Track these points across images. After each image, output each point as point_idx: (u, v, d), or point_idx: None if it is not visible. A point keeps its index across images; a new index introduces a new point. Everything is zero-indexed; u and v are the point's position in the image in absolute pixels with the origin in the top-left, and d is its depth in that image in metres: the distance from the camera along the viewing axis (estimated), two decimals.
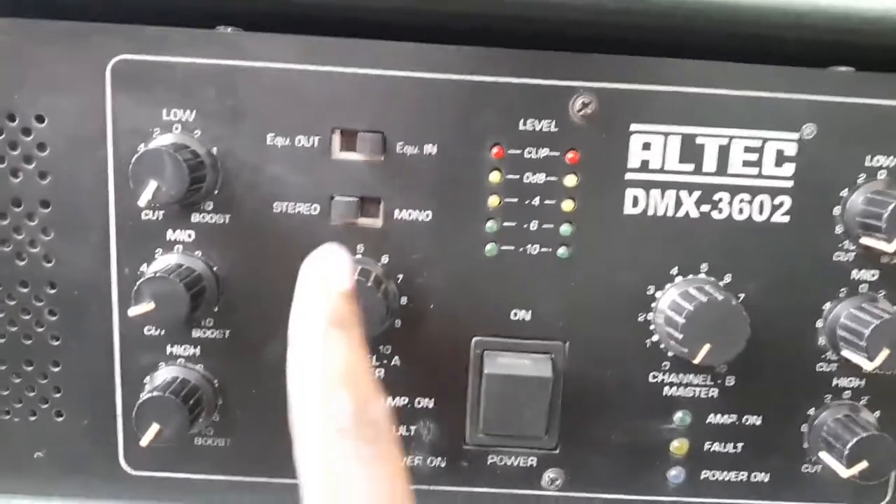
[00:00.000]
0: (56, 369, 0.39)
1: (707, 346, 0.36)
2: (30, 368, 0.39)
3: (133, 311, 0.35)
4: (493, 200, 0.38)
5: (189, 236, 0.38)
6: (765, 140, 0.37)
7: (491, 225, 0.38)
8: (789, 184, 0.38)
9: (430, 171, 0.37)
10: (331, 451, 0.26)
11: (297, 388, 0.27)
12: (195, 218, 0.37)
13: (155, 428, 0.37)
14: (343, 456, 0.26)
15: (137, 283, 0.35)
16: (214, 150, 0.37)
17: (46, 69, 0.36)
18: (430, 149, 0.37)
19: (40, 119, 0.36)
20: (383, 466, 0.26)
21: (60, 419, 0.40)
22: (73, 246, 0.38)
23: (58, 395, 0.40)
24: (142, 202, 0.34)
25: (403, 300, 0.39)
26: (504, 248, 0.38)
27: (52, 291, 0.38)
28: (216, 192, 0.37)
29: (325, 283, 0.29)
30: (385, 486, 0.26)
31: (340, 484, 0.25)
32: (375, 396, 0.27)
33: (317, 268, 0.30)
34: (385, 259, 0.38)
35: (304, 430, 0.26)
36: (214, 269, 0.38)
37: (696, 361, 0.36)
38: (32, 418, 0.40)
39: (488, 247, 0.38)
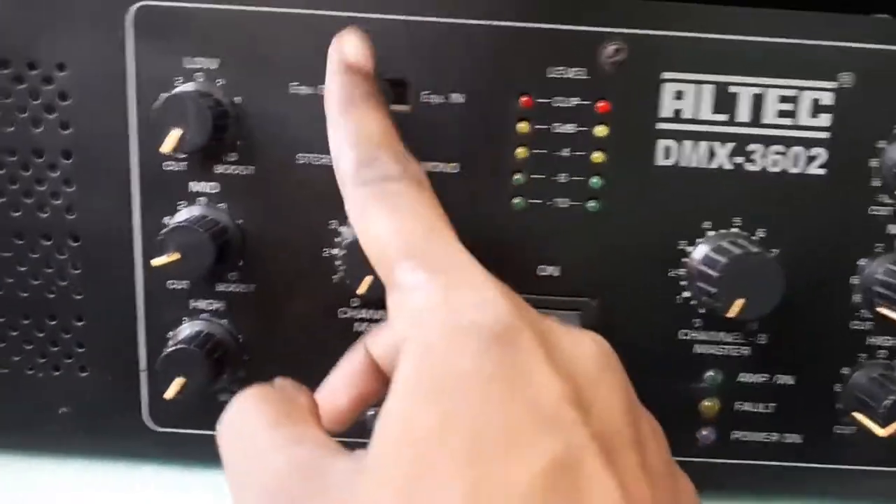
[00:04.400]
0: (79, 324, 0.39)
1: (741, 301, 0.35)
2: (53, 323, 0.39)
3: (157, 262, 0.35)
4: (521, 152, 0.37)
5: (213, 188, 0.37)
6: (800, 89, 0.36)
7: (518, 177, 0.37)
8: (825, 135, 0.37)
9: (456, 121, 0.37)
10: (377, 198, 0.28)
11: (337, 159, 0.30)
12: (219, 169, 0.37)
13: (179, 381, 0.36)
14: (391, 195, 0.28)
15: (162, 233, 0.35)
16: (237, 99, 0.36)
17: (67, 15, 0.35)
18: (456, 98, 0.36)
19: (61, 67, 0.36)
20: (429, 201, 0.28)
21: (84, 374, 0.40)
22: (96, 198, 0.37)
23: (81, 350, 0.39)
24: (164, 149, 0.33)
25: None
26: (532, 201, 0.37)
27: (75, 244, 0.38)
28: (240, 142, 0.37)
29: (348, 63, 0.32)
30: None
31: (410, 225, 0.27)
32: (410, 156, 0.30)
33: (339, 47, 0.32)
34: None
35: (352, 198, 0.29)
36: (239, 221, 0.37)
37: (730, 316, 0.35)
38: (56, 374, 0.40)
39: (515, 200, 0.37)
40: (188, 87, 0.36)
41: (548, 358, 0.24)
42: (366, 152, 0.29)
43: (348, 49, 0.32)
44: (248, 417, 0.27)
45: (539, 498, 0.21)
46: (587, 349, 0.26)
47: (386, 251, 0.27)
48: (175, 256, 0.35)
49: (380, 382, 0.30)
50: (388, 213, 0.27)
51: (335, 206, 0.37)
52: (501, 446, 0.22)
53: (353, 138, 0.29)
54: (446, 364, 0.23)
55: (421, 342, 0.24)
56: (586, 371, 0.25)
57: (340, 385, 0.30)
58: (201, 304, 0.39)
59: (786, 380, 0.40)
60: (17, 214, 0.38)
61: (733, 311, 0.35)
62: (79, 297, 0.39)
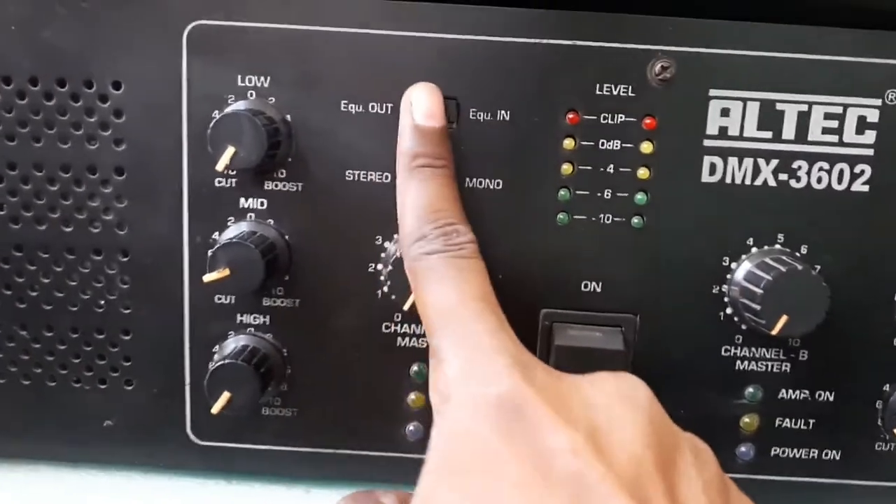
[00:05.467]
0: (126, 338, 0.39)
1: (785, 318, 0.35)
2: (101, 337, 0.40)
3: (208, 277, 0.35)
4: (567, 168, 0.37)
5: (262, 204, 0.37)
6: (846, 106, 0.37)
7: (563, 193, 0.37)
8: (870, 152, 0.37)
9: (502, 137, 0.37)
10: (426, 271, 0.31)
11: (399, 220, 0.34)
12: (268, 186, 0.37)
13: (226, 396, 0.37)
14: (436, 269, 0.31)
15: (212, 249, 0.35)
16: (288, 116, 0.37)
17: (124, 35, 0.36)
18: (503, 115, 0.37)
19: (117, 86, 0.37)
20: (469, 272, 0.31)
21: (130, 388, 0.40)
22: (146, 213, 0.38)
23: (127, 364, 0.40)
24: (220, 167, 0.34)
25: None
26: (576, 217, 0.38)
27: (125, 259, 0.38)
28: (289, 159, 0.37)
29: (416, 125, 0.35)
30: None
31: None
32: (460, 224, 0.33)
33: (411, 103, 0.35)
34: None
35: (406, 264, 0.33)
36: (286, 237, 0.38)
37: (773, 333, 0.35)
38: (102, 387, 0.40)
39: (560, 216, 0.38)
40: (241, 105, 0.36)
41: (554, 413, 0.25)
42: (419, 228, 0.32)
43: (418, 107, 0.35)
44: None
45: None
46: (607, 387, 0.28)
47: (428, 319, 0.30)
48: (225, 272, 0.35)
49: None
50: (431, 285, 0.31)
51: (381, 223, 0.37)
52: None
53: (411, 206, 0.33)
54: (464, 441, 0.26)
55: (446, 417, 0.27)
56: (606, 408, 0.26)
57: None
58: (247, 318, 0.39)
59: (826, 396, 0.40)
60: (68, 230, 0.38)
61: (777, 328, 0.35)
62: (127, 311, 0.39)
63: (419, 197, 0.33)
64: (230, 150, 0.34)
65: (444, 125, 0.35)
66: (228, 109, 0.35)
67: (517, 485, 0.24)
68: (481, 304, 0.30)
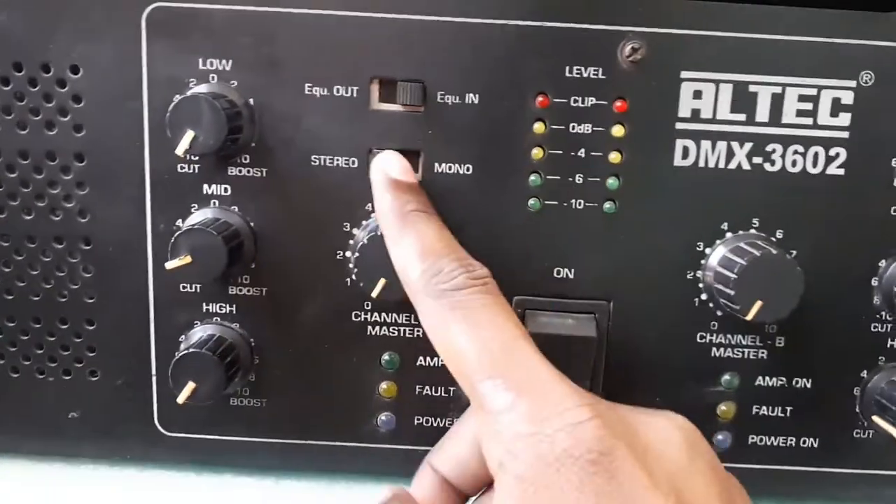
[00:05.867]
0: (90, 328, 0.39)
1: (759, 303, 0.35)
2: (64, 327, 0.39)
3: (170, 265, 0.34)
4: (537, 153, 0.37)
5: (225, 190, 0.37)
6: (820, 88, 0.36)
7: (534, 178, 0.37)
8: (845, 134, 0.36)
9: (471, 121, 0.36)
10: (454, 310, 0.29)
11: (404, 273, 0.31)
12: (232, 171, 0.37)
13: (191, 386, 0.36)
14: (467, 306, 0.29)
15: (174, 236, 0.35)
16: (251, 100, 0.36)
17: (81, 17, 0.35)
18: (471, 98, 0.36)
19: (75, 70, 0.36)
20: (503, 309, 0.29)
21: (95, 379, 0.39)
22: (108, 201, 0.37)
23: (92, 355, 0.39)
24: (179, 151, 0.33)
25: None
26: (547, 202, 0.37)
27: (87, 248, 0.38)
28: (253, 144, 0.36)
29: (394, 179, 0.34)
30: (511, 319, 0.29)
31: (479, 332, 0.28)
32: (473, 260, 0.31)
33: (382, 167, 0.35)
34: None
35: (428, 310, 0.30)
36: (251, 223, 0.37)
37: (748, 319, 0.35)
38: (67, 378, 0.39)
39: (531, 201, 0.37)
40: (202, 88, 0.35)
41: (649, 477, 0.24)
42: (433, 264, 0.30)
43: (391, 167, 0.34)
44: None
45: None
46: (675, 439, 0.27)
47: (470, 366, 0.28)
48: (186, 259, 0.34)
49: (452, 498, 0.32)
50: (468, 328, 0.28)
51: (349, 209, 0.37)
52: None
53: (418, 252, 0.31)
54: (546, 500, 0.24)
55: (518, 475, 0.25)
56: (680, 465, 0.26)
57: None
58: (213, 307, 0.38)
59: (804, 383, 0.39)
60: (29, 218, 0.37)
61: (751, 314, 0.35)
62: (90, 300, 0.38)
63: (423, 237, 0.32)
64: (189, 135, 0.33)
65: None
66: (188, 93, 0.35)
67: None
68: (531, 343, 0.28)
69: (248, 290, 0.38)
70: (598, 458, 0.24)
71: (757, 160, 0.37)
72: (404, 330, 0.38)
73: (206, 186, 0.37)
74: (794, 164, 0.37)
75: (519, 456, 0.25)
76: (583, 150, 0.36)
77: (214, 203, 0.37)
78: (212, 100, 0.33)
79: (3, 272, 0.38)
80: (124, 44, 0.35)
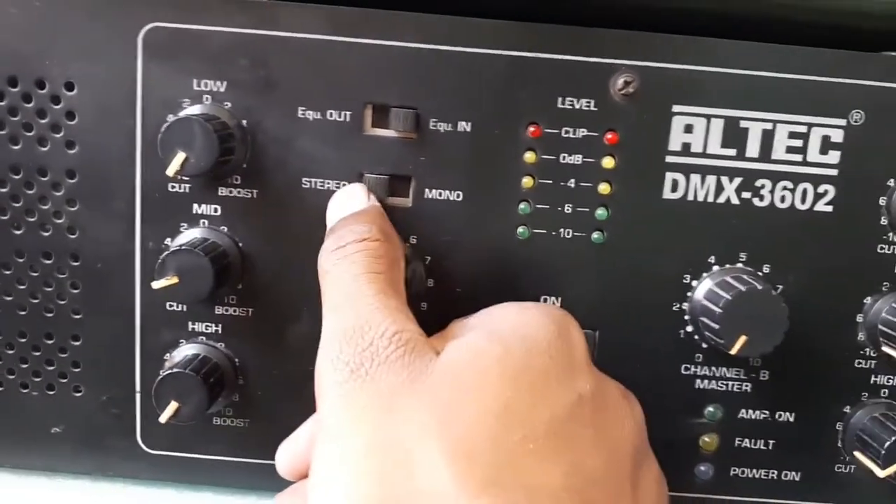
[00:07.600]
0: (76, 343, 0.39)
1: (744, 338, 0.35)
2: (50, 342, 0.39)
3: (157, 284, 0.34)
4: (527, 181, 0.37)
5: (215, 210, 0.37)
6: (810, 126, 0.36)
7: (524, 207, 0.37)
8: (834, 172, 0.37)
9: (463, 149, 0.36)
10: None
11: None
12: (222, 192, 0.37)
13: (173, 406, 0.36)
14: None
15: (162, 256, 0.35)
16: (244, 122, 0.36)
17: (78, 35, 0.35)
18: (464, 126, 0.36)
19: (70, 87, 0.36)
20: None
21: (79, 395, 0.39)
22: (98, 218, 0.37)
23: (77, 370, 0.39)
24: (170, 172, 0.33)
25: (430, 282, 0.38)
26: (536, 230, 0.37)
27: (76, 264, 0.38)
28: (244, 165, 0.36)
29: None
30: None
31: None
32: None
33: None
34: (413, 240, 0.37)
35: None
36: (240, 244, 0.37)
37: (732, 353, 0.35)
38: (50, 393, 0.39)
39: (520, 229, 0.37)
40: (195, 109, 0.35)
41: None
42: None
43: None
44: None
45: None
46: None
47: None
48: (174, 280, 0.34)
49: None
50: None
51: None
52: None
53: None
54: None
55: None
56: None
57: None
58: (199, 326, 0.38)
59: (787, 417, 0.39)
60: (18, 232, 0.37)
61: (736, 348, 0.35)
62: (77, 316, 0.38)
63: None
64: (181, 156, 0.33)
65: None
66: (180, 114, 0.35)
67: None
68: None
69: (235, 311, 0.38)
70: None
71: (746, 195, 0.37)
72: None
73: (196, 206, 0.37)
74: (782, 199, 0.37)
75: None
76: (573, 181, 0.37)
77: (204, 223, 0.37)
78: (204, 122, 0.33)
79: None
80: (120, 62, 0.35)
